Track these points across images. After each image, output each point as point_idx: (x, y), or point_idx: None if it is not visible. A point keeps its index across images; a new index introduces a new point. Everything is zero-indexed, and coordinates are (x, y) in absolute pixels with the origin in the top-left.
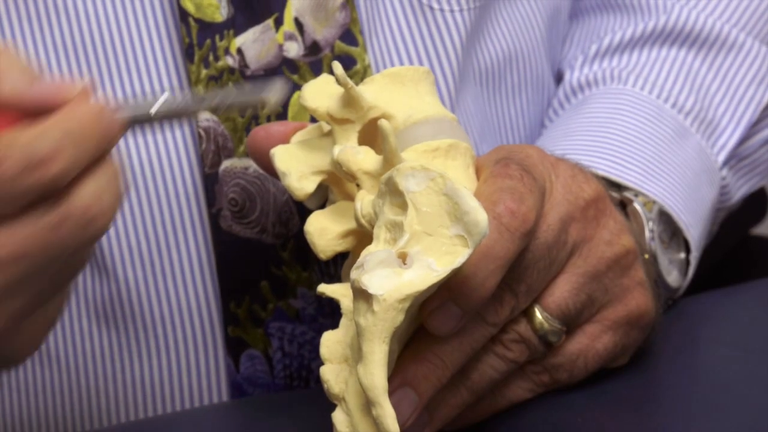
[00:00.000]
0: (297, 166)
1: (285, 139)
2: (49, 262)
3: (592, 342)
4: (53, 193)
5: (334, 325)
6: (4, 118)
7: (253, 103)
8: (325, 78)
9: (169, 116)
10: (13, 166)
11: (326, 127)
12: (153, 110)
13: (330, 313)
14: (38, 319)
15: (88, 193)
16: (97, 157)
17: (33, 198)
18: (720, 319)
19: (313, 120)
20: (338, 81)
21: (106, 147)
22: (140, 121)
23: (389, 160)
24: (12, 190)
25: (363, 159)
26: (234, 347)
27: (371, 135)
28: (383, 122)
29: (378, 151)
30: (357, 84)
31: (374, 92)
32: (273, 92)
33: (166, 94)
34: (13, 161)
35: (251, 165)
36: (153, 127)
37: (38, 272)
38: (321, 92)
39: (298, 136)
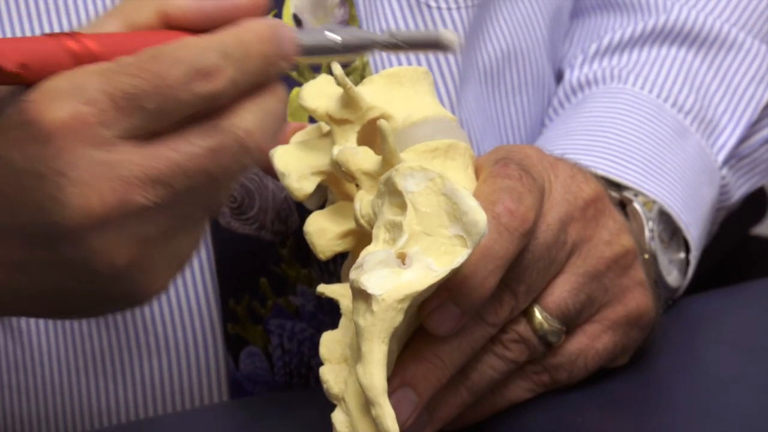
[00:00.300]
0: (296, 167)
1: (284, 140)
2: (195, 189)
3: (591, 342)
4: (214, 110)
5: (334, 322)
6: (172, 36)
7: (430, 43)
8: (324, 78)
9: (348, 50)
10: (178, 73)
11: (325, 128)
12: (331, 36)
13: (330, 311)
14: (168, 256)
15: (249, 120)
16: (264, 80)
17: (194, 110)
18: (720, 319)
19: (312, 120)
20: (337, 81)
21: (274, 70)
22: (317, 51)
23: (388, 161)
24: (175, 98)
25: (362, 159)
26: (233, 344)
27: (370, 135)
28: (382, 122)
29: (377, 152)
30: (356, 81)
31: (373, 93)
32: (448, 35)
33: (346, 28)
34: (179, 69)
35: None
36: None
37: (181, 199)
38: (320, 92)
39: (297, 137)
